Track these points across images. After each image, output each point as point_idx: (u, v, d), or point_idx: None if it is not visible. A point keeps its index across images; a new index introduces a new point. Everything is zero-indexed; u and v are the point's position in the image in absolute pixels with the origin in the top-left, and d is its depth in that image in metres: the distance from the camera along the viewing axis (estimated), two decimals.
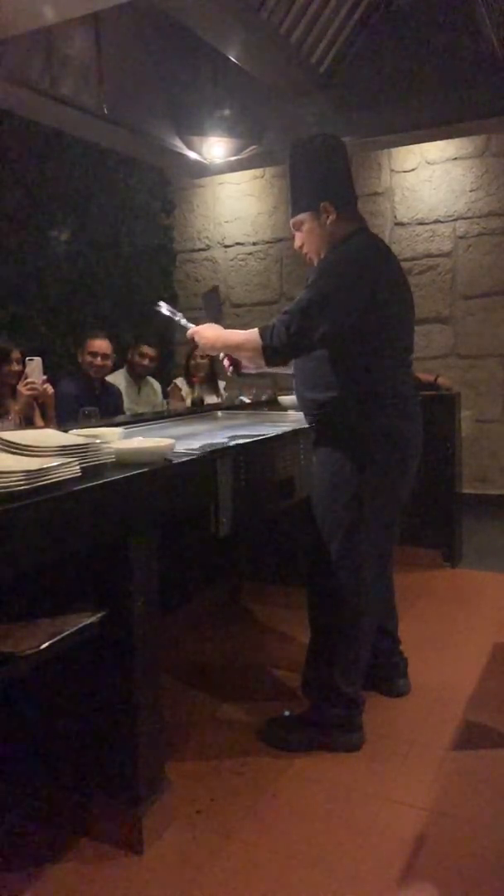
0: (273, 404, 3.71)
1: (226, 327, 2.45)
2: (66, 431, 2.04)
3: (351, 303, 2.10)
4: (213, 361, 5.13)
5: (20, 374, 3.34)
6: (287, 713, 2.37)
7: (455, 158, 5.34)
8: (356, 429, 2.16)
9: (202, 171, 5.56)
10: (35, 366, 3.27)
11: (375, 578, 2.25)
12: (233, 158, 5.31)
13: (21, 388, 3.27)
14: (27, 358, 3.32)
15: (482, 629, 3.15)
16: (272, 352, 2.17)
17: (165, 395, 4.99)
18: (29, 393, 3.27)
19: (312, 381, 2.25)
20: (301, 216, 2.26)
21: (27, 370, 3.29)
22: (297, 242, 2.32)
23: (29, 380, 3.26)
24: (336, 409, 2.19)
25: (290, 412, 3.12)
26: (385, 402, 2.17)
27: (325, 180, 2.23)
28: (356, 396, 2.17)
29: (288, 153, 2.31)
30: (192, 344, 2.51)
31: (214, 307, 2.92)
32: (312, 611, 2.32)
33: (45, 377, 3.33)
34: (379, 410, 2.16)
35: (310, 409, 2.29)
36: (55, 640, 1.54)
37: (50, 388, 3.39)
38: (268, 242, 6.07)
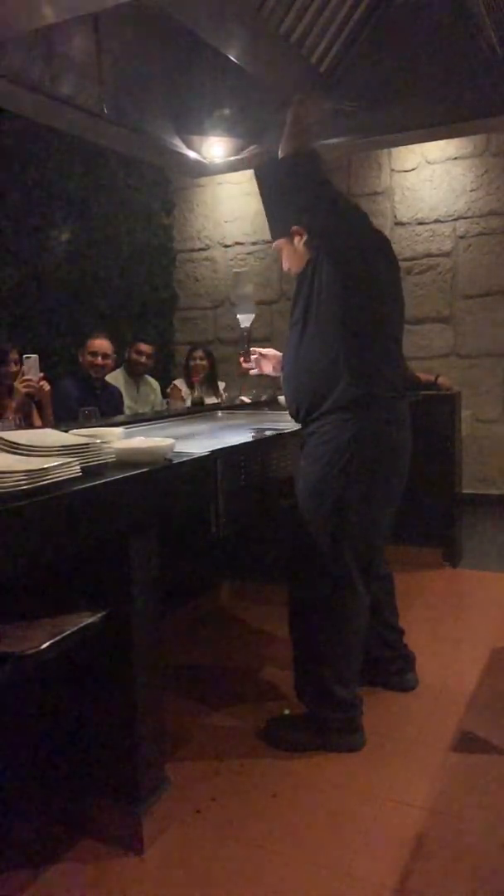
0: (273, 404, 3.71)
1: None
2: (66, 431, 2.03)
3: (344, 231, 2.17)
4: (213, 362, 5.14)
5: (18, 375, 3.34)
6: (287, 713, 2.37)
7: (455, 158, 5.34)
8: (340, 433, 2.14)
9: (202, 170, 5.53)
10: (32, 363, 3.27)
11: (366, 580, 2.23)
12: (233, 158, 5.29)
13: (18, 385, 3.27)
14: (24, 356, 3.32)
15: (482, 629, 3.15)
16: (288, 157, 2.18)
17: (165, 394, 4.99)
18: (26, 390, 3.27)
19: (298, 386, 2.24)
20: (278, 242, 2.29)
21: (24, 367, 3.29)
22: (284, 266, 2.33)
23: (26, 377, 3.26)
24: (321, 413, 2.18)
25: None
26: (370, 405, 2.15)
27: (290, 204, 2.23)
28: (341, 400, 2.14)
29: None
30: None
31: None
32: (295, 616, 2.29)
33: (41, 374, 3.33)
34: (364, 414, 2.14)
35: (296, 413, 2.28)
36: (55, 639, 1.54)
37: (46, 386, 3.39)
38: (268, 242, 6.04)
